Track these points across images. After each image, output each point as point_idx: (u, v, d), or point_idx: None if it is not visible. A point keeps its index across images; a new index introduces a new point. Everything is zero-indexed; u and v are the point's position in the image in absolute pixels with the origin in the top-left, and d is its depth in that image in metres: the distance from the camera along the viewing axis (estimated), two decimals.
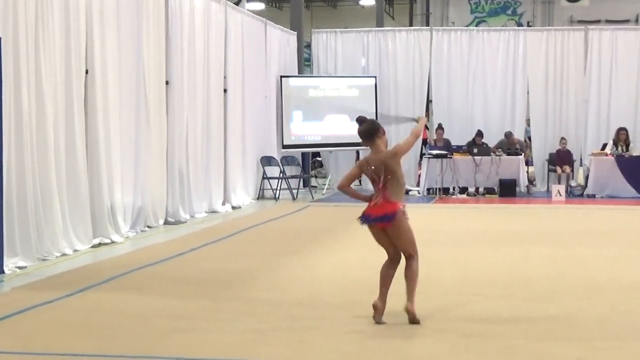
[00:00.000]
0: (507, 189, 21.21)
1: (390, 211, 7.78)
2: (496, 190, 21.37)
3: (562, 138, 22.71)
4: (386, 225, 7.84)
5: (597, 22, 29.84)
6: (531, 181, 22.64)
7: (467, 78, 23.56)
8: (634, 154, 21.57)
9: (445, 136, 22.47)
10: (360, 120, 8.12)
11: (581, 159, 22.79)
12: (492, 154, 21.49)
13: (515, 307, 8.46)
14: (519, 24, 32.84)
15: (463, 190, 21.64)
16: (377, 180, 7.87)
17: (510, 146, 21.98)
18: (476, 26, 31.71)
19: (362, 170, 8.14)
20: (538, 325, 7.63)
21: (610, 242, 13.24)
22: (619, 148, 21.59)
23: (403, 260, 7.94)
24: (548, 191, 21.78)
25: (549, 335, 7.26)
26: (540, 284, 9.68)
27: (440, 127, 22.65)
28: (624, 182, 21.08)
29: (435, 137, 22.69)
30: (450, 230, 14.82)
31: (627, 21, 30.89)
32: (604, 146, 22.02)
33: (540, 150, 23.36)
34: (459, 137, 22.70)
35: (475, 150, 21.53)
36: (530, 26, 31.68)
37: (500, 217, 17.18)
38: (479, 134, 21.95)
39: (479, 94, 23.52)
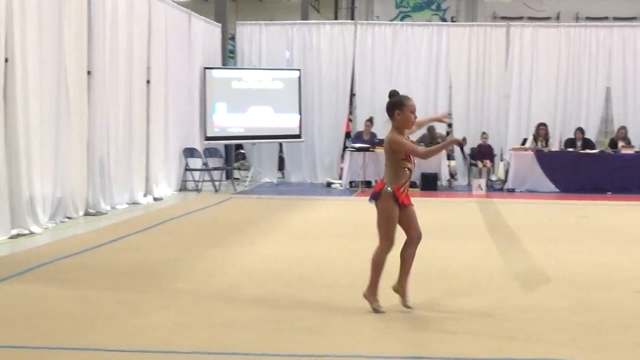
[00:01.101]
0: (428, 183, 21.43)
1: (376, 190, 7.97)
2: (418, 184, 21.53)
3: (484, 133, 23.02)
4: (374, 203, 7.95)
5: (520, 18, 30.22)
6: (452, 175, 22.87)
7: (391, 72, 23.71)
8: (553, 149, 21.95)
9: (372, 130, 22.58)
10: (391, 93, 8.07)
11: (502, 154, 23.13)
12: None
13: (434, 299, 8.58)
14: (443, 19, 33.12)
15: None
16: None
17: (432, 140, 22.15)
18: (401, 21, 31.88)
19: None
20: (455, 317, 7.76)
21: (529, 235, 13.44)
22: (539, 143, 21.95)
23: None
24: (469, 185, 22.06)
25: (467, 328, 7.37)
26: (459, 277, 9.82)
27: (370, 120, 22.73)
28: (543, 177, 21.45)
29: (362, 129, 22.77)
30: (371, 222, 14.90)
31: (548, 18, 31.30)
32: (524, 141, 22.35)
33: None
34: (382, 131, 22.81)
35: None
36: (454, 21, 31.97)
37: (421, 210, 17.24)
38: None
39: (402, 88, 23.41)
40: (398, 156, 7.83)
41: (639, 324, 7.61)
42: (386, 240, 7.94)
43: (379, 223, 7.96)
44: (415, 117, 7.99)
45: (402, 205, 7.94)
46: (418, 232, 8.13)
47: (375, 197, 7.91)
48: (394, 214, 7.90)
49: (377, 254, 8.01)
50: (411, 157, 7.91)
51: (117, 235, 12.81)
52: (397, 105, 7.84)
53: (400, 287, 8.05)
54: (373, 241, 12.52)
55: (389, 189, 7.82)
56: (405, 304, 7.96)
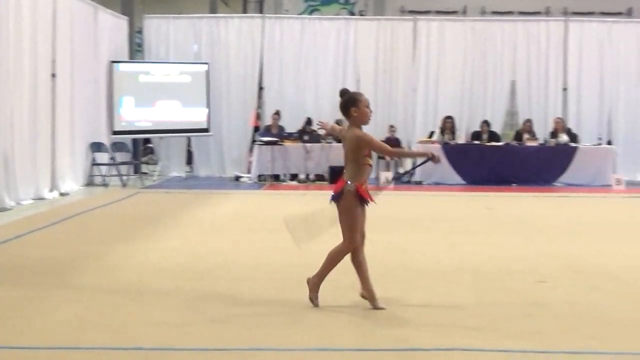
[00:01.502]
0: (337, 176, 21.30)
1: (338, 189, 7.91)
2: (326, 176, 21.65)
3: (391, 126, 23.18)
4: (335, 202, 7.92)
5: (427, 12, 30.50)
6: None
7: (299, 66, 23.75)
8: (460, 142, 22.23)
9: (279, 123, 22.64)
10: (341, 92, 8.09)
11: (409, 146, 23.29)
12: (322, 141, 21.76)
13: (339, 292, 8.62)
14: (351, 13, 33.25)
15: (294, 176, 21.88)
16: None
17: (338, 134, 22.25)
18: (309, 14, 31.96)
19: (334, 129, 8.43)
20: (363, 309, 7.85)
21: (433, 228, 13.61)
22: (446, 136, 22.22)
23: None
24: (376, 178, 22.20)
25: (373, 319, 7.49)
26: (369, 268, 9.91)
27: (277, 113, 22.75)
28: (450, 169, 21.68)
29: (270, 123, 22.81)
30: (280, 216, 14.95)
31: (455, 12, 31.66)
32: (431, 134, 22.60)
33: None
34: (291, 124, 22.88)
35: (305, 138, 21.77)
36: (362, 15, 32.12)
37: (326, 203, 17.40)
38: (308, 122, 22.16)
39: (310, 81, 23.73)
40: (362, 152, 7.85)
41: (541, 312, 7.78)
42: (351, 241, 7.92)
43: (343, 222, 7.91)
44: (371, 111, 8.00)
45: (366, 201, 7.94)
46: (364, 232, 8.10)
47: (337, 197, 7.87)
48: (358, 212, 7.92)
49: (338, 252, 7.99)
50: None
51: (22, 231, 12.66)
52: (352, 102, 7.87)
53: (368, 292, 7.98)
54: (280, 234, 12.58)
55: (351, 186, 7.82)
56: (377, 306, 7.87)
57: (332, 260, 7.97)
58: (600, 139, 22.78)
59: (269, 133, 22.30)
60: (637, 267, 10.18)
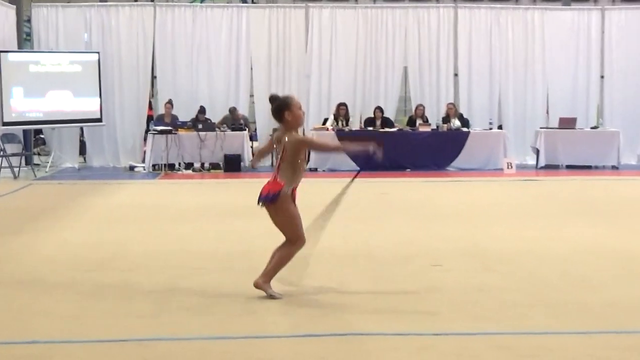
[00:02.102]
0: (232, 164, 21.47)
1: (274, 191, 7.80)
2: (221, 165, 21.60)
3: None
4: (267, 205, 7.87)
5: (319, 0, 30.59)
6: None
7: (192, 54, 23.59)
8: (353, 129, 22.37)
9: (172, 112, 22.50)
10: (271, 99, 8.06)
11: (304, 133, 23.38)
12: (217, 129, 21.71)
13: (236, 278, 8.66)
14: (244, 1, 33.19)
15: (189, 165, 21.76)
16: (277, 158, 7.97)
17: (234, 122, 22.28)
18: (201, 2, 31.77)
19: (271, 145, 8.29)
20: (258, 295, 7.83)
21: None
22: (339, 123, 22.33)
23: None
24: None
25: (268, 305, 7.50)
26: (260, 256, 9.88)
27: (169, 102, 22.61)
28: (344, 156, 21.76)
29: (164, 112, 22.66)
30: (175, 205, 14.90)
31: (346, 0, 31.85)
32: (325, 121, 22.68)
33: (265, 125, 23.74)
34: (185, 113, 22.76)
35: (200, 126, 21.68)
36: (254, 3, 32.07)
37: (224, 191, 17.40)
38: (202, 110, 22.10)
39: (203, 70, 23.62)
40: (301, 155, 7.89)
41: (435, 295, 7.89)
42: (299, 240, 7.95)
43: (284, 224, 7.93)
44: (303, 112, 8.03)
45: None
46: None
47: (272, 199, 7.80)
48: (296, 211, 7.98)
49: (288, 252, 7.96)
50: None
51: None
52: (285, 107, 7.89)
53: (263, 282, 7.90)
54: (175, 223, 12.56)
55: (289, 190, 7.86)
56: (273, 294, 7.83)
57: (283, 260, 7.94)
58: (491, 123, 23.18)
59: (163, 122, 22.14)
60: (528, 249, 10.37)
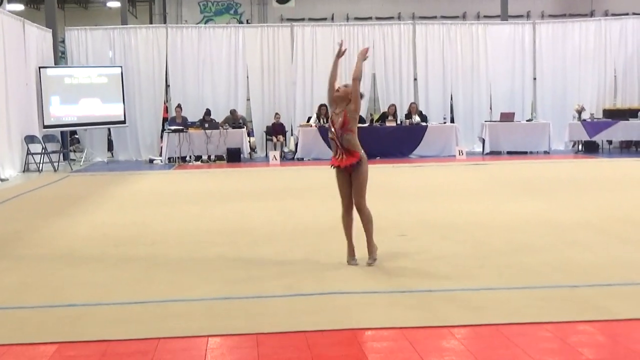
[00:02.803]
0: (233, 156, 21.46)
1: (357, 158, 7.46)
2: (224, 157, 21.58)
3: (277, 113, 23.22)
4: (352, 171, 7.49)
5: (302, 19, 30.48)
6: (253, 149, 23.00)
7: (198, 66, 23.58)
8: None
9: (182, 114, 22.48)
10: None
11: (292, 130, 23.37)
12: (220, 127, 21.69)
13: (237, 250, 8.65)
14: (240, 22, 33.01)
15: (198, 157, 21.72)
16: (335, 138, 7.50)
17: (234, 121, 22.25)
18: (205, 24, 31.59)
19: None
20: (256, 264, 7.83)
21: (313, 195, 13.67)
22: (321, 120, 22.28)
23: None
24: (266, 156, 22.21)
25: (265, 271, 7.48)
26: (259, 231, 9.92)
27: (179, 106, 22.58)
28: (325, 147, 21.66)
29: (175, 114, 22.60)
30: (187, 190, 14.87)
31: (324, 19, 31.70)
32: (309, 119, 22.66)
33: (260, 124, 23.78)
34: (193, 114, 22.75)
35: (206, 125, 21.66)
36: (248, 23, 31.91)
37: (228, 179, 17.38)
38: (207, 112, 22.11)
39: (208, 79, 23.61)
40: (356, 122, 7.52)
41: (400, 262, 7.87)
42: (365, 201, 7.63)
43: (363, 185, 7.55)
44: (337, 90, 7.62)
45: None
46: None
47: (358, 164, 7.46)
48: None
49: (369, 219, 7.68)
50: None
51: None
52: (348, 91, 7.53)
53: (372, 255, 7.67)
54: (188, 205, 12.51)
55: (364, 153, 7.56)
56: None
57: (371, 229, 7.70)
58: (445, 118, 23.24)
59: (175, 123, 22.11)
60: (477, 221, 10.38)
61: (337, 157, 7.50)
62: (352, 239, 7.75)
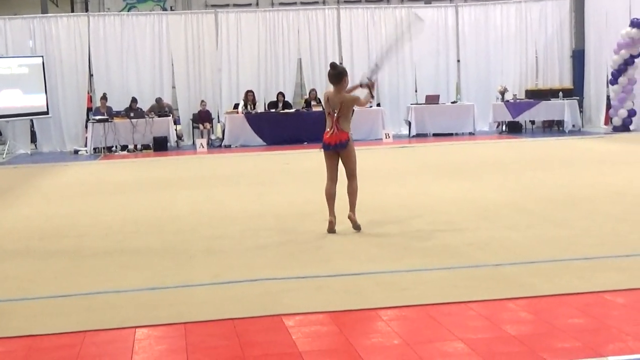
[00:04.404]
0: (160, 145, 21.27)
1: (344, 139, 8.30)
2: (151, 146, 21.38)
3: (202, 101, 23.10)
4: (341, 150, 8.34)
5: (226, 5, 30.26)
6: (180, 137, 22.85)
7: (122, 55, 23.33)
8: (260, 111, 22.31)
9: (107, 104, 22.20)
10: (332, 65, 8.49)
11: (218, 117, 23.29)
12: (146, 116, 21.48)
13: (164, 240, 8.58)
14: (164, 9, 32.65)
15: (124, 147, 21.49)
16: (331, 114, 8.35)
17: (160, 109, 22.05)
18: (128, 11, 31.18)
19: (324, 102, 8.59)
20: (184, 253, 7.76)
21: (241, 182, 13.64)
22: (248, 106, 22.24)
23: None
24: (193, 144, 22.08)
25: (192, 260, 7.43)
26: (186, 220, 9.86)
27: (104, 96, 22.30)
28: (253, 134, 21.82)
29: (99, 105, 22.32)
30: (114, 181, 14.70)
31: (249, 5, 31.55)
32: (236, 105, 22.59)
33: (186, 111, 23.63)
34: (118, 103, 22.49)
35: (132, 114, 21.43)
36: (172, 10, 31.58)
37: (154, 168, 17.21)
38: (134, 100, 21.93)
39: (132, 68, 23.37)
40: (350, 112, 8.41)
41: (330, 244, 7.92)
42: (355, 173, 8.50)
43: (353, 161, 8.46)
44: None
45: None
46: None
47: (345, 145, 8.33)
48: None
49: (356, 185, 8.51)
50: None
51: None
52: (345, 73, 8.40)
53: (354, 214, 8.46)
54: (115, 196, 12.37)
55: (351, 136, 8.39)
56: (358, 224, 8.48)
57: (353, 194, 8.47)
58: (371, 102, 23.26)
59: (100, 112, 21.83)
60: (403, 203, 10.47)
61: (330, 132, 8.41)
62: (333, 211, 8.50)
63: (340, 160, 8.53)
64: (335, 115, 8.32)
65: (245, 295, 6.08)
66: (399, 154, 17.88)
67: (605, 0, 23.28)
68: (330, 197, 8.56)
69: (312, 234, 8.51)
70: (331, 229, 8.39)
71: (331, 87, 8.52)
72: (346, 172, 8.48)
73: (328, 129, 8.45)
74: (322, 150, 8.54)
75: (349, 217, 8.42)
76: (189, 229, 9.14)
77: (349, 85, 8.54)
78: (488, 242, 7.69)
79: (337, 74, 8.37)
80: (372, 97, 8.66)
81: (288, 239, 8.30)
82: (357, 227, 8.43)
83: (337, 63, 8.75)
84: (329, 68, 8.51)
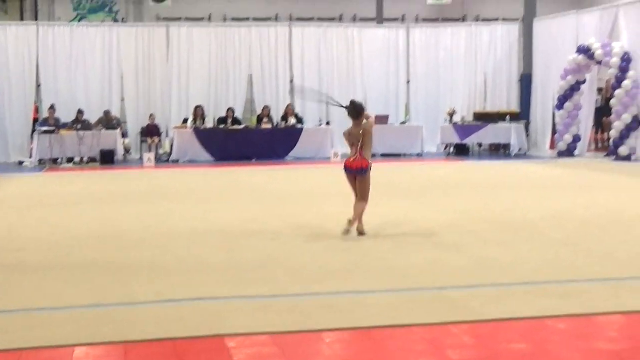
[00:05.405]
0: (106, 158, 21.08)
1: (365, 166, 9.40)
2: (98, 159, 21.17)
3: (151, 114, 22.96)
4: (359, 175, 9.43)
5: (179, 19, 30.10)
6: (127, 150, 22.65)
7: (71, 66, 23.17)
8: (209, 127, 22.24)
9: (55, 115, 21.95)
10: (352, 102, 9.60)
11: (167, 131, 23.16)
12: (93, 129, 21.29)
13: (107, 255, 8.46)
14: (115, 20, 32.38)
15: (70, 160, 21.25)
16: (355, 144, 9.40)
17: (108, 122, 21.86)
18: (79, 22, 30.86)
19: (346, 137, 9.62)
20: (127, 269, 7.67)
21: (187, 198, 13.55)
22: (197, 122, 22.15)
23: None
24: (141, 159, 21.90)
25: (135, 277, 7.33)
26: (130, 236, 9.74)
27: (52, 107, 22.04)
28: (201, 149, 21.73)
29: (47, 115, 22.04)
30: (58, 194, 14.51)
31: (202, 19, 31.42)
32: (185, 120, 22.49)
33: (134, 125, 23.48)
34: (65, 115, 22.23)
35: (78, 126, 21.21)
36: (124, 22, 31.33)
37: (100, 181, 17.02)
38: (80, 112, 21.76)
39: (81, 79, 23.23)
40: (371, 140, 9.50)
41: (273, 264, 7.87)
42: (368, 197, 9.49)
43: (368, 187, 9.48)
44: None
45: None
46: None
47: (366, 172, 9.41)
48: None
49: (364, 206, 9.42)
50: None
51: None
52: (363, 110, 9.54)
53: (359, 223, 9.44)
54: (59, 209, 12.20)
55: (371, 165, 9.49)
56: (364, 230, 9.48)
57: (363, 209, 9.41)
58: (320, 121, 23.38)
59: (47, 124, 21.55)
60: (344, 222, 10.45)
61: (353, 158, 9.48)
62: (358, 220, 9.43)
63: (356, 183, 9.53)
64: (360, 145, 9.38)
65: (187, 315, 6.01)
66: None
67: (553, 27, 23.66)
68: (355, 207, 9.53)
69: (257, 252, 8.47)
70: (346, 232, 9.30)
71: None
72: (359, 194, 9.44)
73: (352, 156, 9.49)
74: (345, 173, 9.61)
75: (357, 229, 9.37)
76: (133, 245, 9.04)
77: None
78: (432, 264, 7.71)
79: (356, 112, 9.45)
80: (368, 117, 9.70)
81: (233, 257, 8.24)
82: (362, 232, 9.40)
83: (355, 100, 9.85)
84: (349, 105, 9.55)
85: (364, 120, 9.46)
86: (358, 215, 9.40)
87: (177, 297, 6.53)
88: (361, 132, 9.38)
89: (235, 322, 5.81)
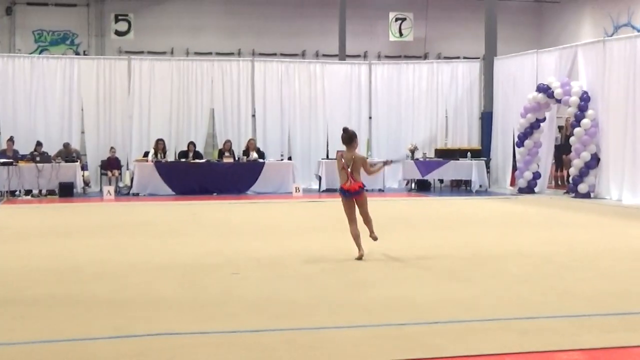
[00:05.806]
0: (65, 191, 20.87)
1: (361, 186, 10.20)
2: (56, 191, 20.96)
3: (112, 147, 22.84)
4: (356, 196, 10.17)
5: (141, 52, 30.05)
6: (87, 183, 22.45)
7: (30, 97, 23.02)
8: (170, 160, 22.14)
9: (14, 147, 21.73)
10: (345, 129, 10.35)
11: (127, 164, 23.01)
12: (52, 161, 21.08)
13: (64, 289, 8.32)
14: (77, 53, 32.25)
15: (28, 192, 21.00)
16: (345, 169, 10.18)
17: (68, 154, 21.69)
18: (39, 54, 30.69)
19: (338, 159, 10.39)
20: (85, 304, 7.54)
21: (148, 231, 13.44)
22: (158, 155, 22.04)
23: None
24: (101, 191, 21.70)
25: (93, 312, 7.22)
26: (88, 269, 9.60)
27: (10, 139, 21.80)
28: (162, 183, 21.59)
29: (5, 147, 21.80)
30: (15, 227, 14.30)
31: (164, 53, 31.40)
32: (146, 154, 22.37)
33: (94, 157, 23.31)
34: (24, 147, 22.00)
35: (37, 159, 20.99)
36: (85, 55, 31.21)
37: (59, 214, 16.84)
38: (39, 144, 21.57)
39: (40, 111, 23.04)
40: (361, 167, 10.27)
41: (233, 299, 7.79)
42: (369, 216, 10.39)
43: (366, 206, 10.31)
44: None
45: None
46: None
47: (360, 192, 10.18)
48: None
49: (371, 220, 10.44)
50: None
51: None
52: (356, 137, 10.29)
53: (371, 231, 10.44)
54: (15, 243, 12.02)
55: (364, 186, 10.30)
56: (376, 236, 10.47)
57: (369, 222, 10.37)
58: (282, 155, 23.42)
59: (5, 155, 21.29)
60: (308, 258, 10.41)
61: (347, 183, 10.18)
62: (361, 246, 10.18)
63: (355, 205, 10.27)
64: (349, 169, 10.10)
65: (146, 350, 5.91)
66: (308, 209, 17.91)
67: (513, 65, 23.96)
68: (356, 236, 10.19)
69: (218, 287, 8.39)
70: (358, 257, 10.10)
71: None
72: (361, 213, 10.28)
73: (344, 181, 10.20)
74: (341, 197, 10.32)
75: (372, 238, 10.34)
76: (91, 279, 8.91)
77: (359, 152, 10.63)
78: (393, 300, 7.69)
79: (349, 137, 10.18)
80: (379, 170, 11.25)
81: (193, 291, 8.16)
82: (375, 238, 10.36)
83: (348, 128, 10.53)
84: (342, 132, 10.29)
85: (356, 146, 10.31)
86: (371, 227, 10.34)
87: (136, 332, 6.42)
88: (353, 157, 10.16)
89: (196, 357, 5.73)
